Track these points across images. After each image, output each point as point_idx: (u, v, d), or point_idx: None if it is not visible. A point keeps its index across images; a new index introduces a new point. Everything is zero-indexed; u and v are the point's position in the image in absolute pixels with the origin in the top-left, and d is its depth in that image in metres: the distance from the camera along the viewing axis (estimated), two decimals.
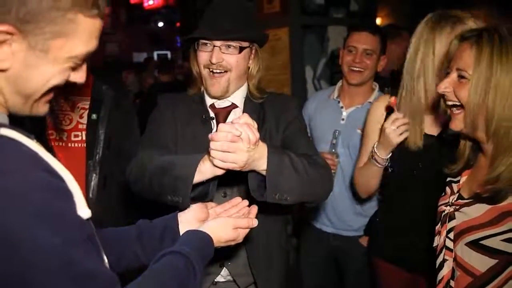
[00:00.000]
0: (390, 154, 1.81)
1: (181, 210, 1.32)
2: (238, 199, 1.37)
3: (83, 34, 0.87)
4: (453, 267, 1.36)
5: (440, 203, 1.46)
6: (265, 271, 1.65)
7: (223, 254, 1.57)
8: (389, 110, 1.84)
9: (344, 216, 2.38)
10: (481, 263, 1.28)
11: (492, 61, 1.23)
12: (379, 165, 1.84)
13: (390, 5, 6.65)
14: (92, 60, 0.96)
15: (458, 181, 1.43)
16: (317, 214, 2.46)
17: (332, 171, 2.17)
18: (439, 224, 1.42)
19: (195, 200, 1.37)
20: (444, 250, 1.38)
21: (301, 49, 3.80)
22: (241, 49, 1.57)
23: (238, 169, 1.32)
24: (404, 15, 5.99)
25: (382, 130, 1.79)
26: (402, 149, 1.76)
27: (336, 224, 2.40)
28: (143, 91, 5.89)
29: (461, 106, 1.31)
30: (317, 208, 2.43)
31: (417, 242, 1.76)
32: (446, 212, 1.40)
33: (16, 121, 0.89)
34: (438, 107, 1.54)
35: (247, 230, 1.25)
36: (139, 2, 11.55)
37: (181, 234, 1.22)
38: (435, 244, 1.43)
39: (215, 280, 1.66)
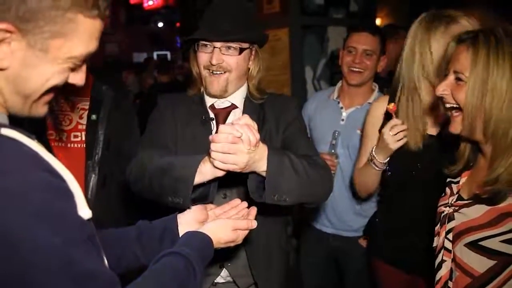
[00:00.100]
0: (388, 158, 1.82)
1: (180, 211, 1.32)
2: (238, 200, 1.38)
3: (83, 35, 0.87)
4: (451, 268, 1.36)
5: (439, 203, 1.46)
6: (265, 272, 1.65)
7: (223, 255, 1.57)
8: (388, 116, 1.84)
9: (344, 217, 2.38)
10: (480, 264, 1.28)
11: (488, 63, 1.22)
12: (378, 169, 1.86)
13: (390, 5, 6.66)
14: (92, 60, 0.96)
15: (458, 182, 1.43)
16: (317, 215, 2.46)
17: (332, 171, 2.17)
18: (439, 225, 1.43)
19: (195, 201, 1.37)
20: (442, 250, 1.38)
21: (301, 50, 3.79)
22: (241, 50, 1.57)
23: (239, 170, 1.32)
24: (404, 15, 5.99)
25: (380, 135, 1.80)
26: (401, 150, 1.76)
27: (336, 224, 2.40)
28: (143, 92, 5.89)
29: (460, 109, 1.31)
30: (317, 209, 2.43)
31: (416, 243, 1.77)
32: (445, 213, 1.40)
33: (16, 122, 0.89)
34: (438, 107, 1.54)
35: (247, 232, 1.25)
36: (139, 3, 11.56)
37: (180, 235, 1.22)
38: (434, 245, 1.43)
39: (215, 281, 1.65)
